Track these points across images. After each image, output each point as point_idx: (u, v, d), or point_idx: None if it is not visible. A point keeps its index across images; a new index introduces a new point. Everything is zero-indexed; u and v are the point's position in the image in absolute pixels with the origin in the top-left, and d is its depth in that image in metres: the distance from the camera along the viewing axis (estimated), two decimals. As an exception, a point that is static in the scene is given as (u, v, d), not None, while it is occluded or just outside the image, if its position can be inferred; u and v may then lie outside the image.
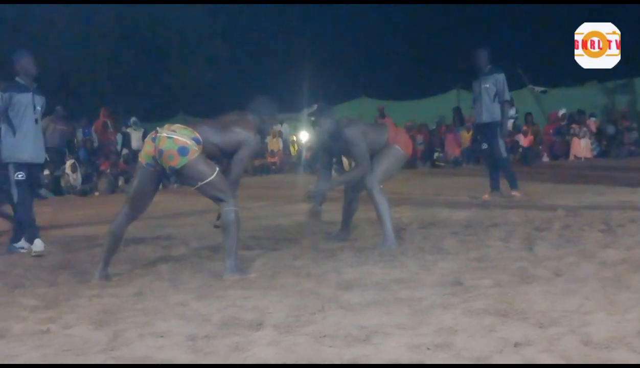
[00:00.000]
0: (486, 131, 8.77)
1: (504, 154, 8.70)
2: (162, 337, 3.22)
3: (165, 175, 4.86)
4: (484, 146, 8.95)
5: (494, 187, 8.69)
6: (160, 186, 13.55)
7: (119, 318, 3.63)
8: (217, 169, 4.62)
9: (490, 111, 8.60)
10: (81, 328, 3.46)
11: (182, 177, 4.67)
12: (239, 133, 4.71)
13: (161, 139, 4.53)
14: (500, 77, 8.64)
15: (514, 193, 8.50)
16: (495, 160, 8.69)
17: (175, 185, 13.55)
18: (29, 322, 3.63)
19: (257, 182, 14.20)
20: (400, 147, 5.59)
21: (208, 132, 4.66)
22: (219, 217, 4.84)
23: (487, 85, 8.61)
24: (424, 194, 9.34)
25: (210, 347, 3.05)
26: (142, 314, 3.69)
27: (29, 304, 4.08)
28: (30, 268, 5.34)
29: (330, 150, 5.72)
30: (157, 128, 4.68)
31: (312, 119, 5.60)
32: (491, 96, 8.60)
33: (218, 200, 4.64)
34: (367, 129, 5.54)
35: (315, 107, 5.61)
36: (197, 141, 4.55)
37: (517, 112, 17.19)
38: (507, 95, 8.66)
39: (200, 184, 4.57)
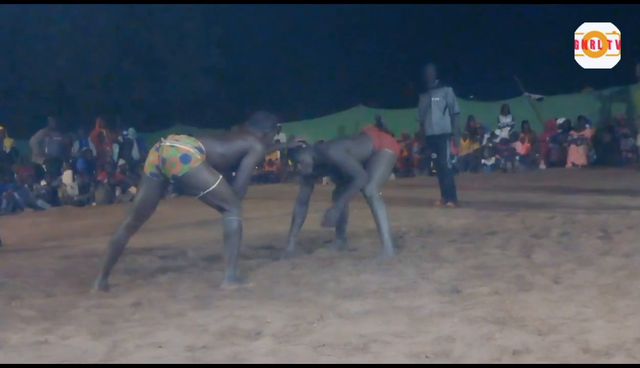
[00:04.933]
0: (436, 143, 9.11)
1: (449, 166, 9.19)
2: (160, 347, 3.22)
3: (169, 185, 4.88)
4: (434, 156, 9.47)
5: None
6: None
7: (117, 328, 3.62)
8: (220, 177, 4.62)
9: (440, 124, 8.95)
10: (79, 339, 3.45)
11: (184, 185, 4.70)
12: (245, 139, 4.77)
13: (164, 148, 4.57)
14: (450, 90, 9.00)
15: (449, 203, 8.82)
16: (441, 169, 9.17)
17: (173, 195, 13.53)
18: (27, 333, 3.61)
19: (255, 191, 14.18)
20: (388, 149, 5.63)
21: (212, 142, 4.71)
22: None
23: (437, 99, 8.95)
24: (421, 202, 9.34)
25: (209, 357, 3.05)
26: (140, 325, 3.68)
27: (27, 315, 4.07)
28: (28, 279, 5.32)
29: (318, 175, 5.76)
30: (162, 138, 4.71)
31: (290, 158, 5.67)
32: (441, 109, 8.94)
33: (221, 209, 4.64)
34: (350, 144, 5.58)
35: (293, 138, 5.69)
36: (200, 150, 4.58)
37: (513, 120, 17.21)
38: (457, 108, 9.01)
39: (202, 192, 4.58)
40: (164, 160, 4.55)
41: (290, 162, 6.05)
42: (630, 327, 3.08)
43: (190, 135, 4.80)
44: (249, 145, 4.74)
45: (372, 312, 3.64)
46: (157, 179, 4.68)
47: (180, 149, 4.53)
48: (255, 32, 24.41)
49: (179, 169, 4.52)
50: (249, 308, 3.88)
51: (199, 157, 4.55)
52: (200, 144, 4.60)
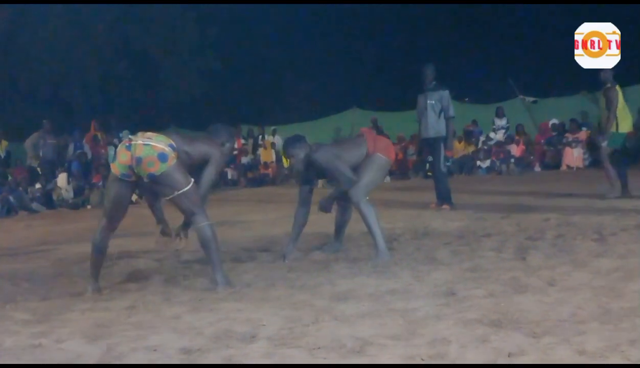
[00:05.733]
0: (431, 145, 9.04)
1: (444, 169, 9.11)
2: (155, 350, 3.21)
3: (141, 185, 4.81)
4: (430, 159, 9.49)
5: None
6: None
7: (111, 332, 3.61)
8: (192, 180, 4.62)
9: (435, 127, 8.86)
10: (74, 342, 3.44)
11: (159, 185, 4.63)
12: (209, 145, 4.82)
13: (137, 147, 4.50)
14: (445, 93, 8.89)
15: (444, 206, 8.76)
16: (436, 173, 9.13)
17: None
18: (21, 336, 3.60)
19: (250, 193, 14.19)
20: (382, 154, 5.61)
21: (180, 140, 4.72)
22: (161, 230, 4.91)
23: (433, 102, 8.85)
24: (416, 205, 9.34)
25: (204, 360, 3.04)
26: (135, 328, 3.67)
27: (21, 318, 4.06)
28: (22, 282, 5.31)
29: (307, 176, 5.76)
30: (130, 137, 4.67)
31: (285, 152, 5.67)
32: (436, 112, 8.85)
33: (191, 213, 4.63)
34: (338, 151, 5.56)
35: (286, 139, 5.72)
36: (172, 148, 4.57)
37: (508, 122, 17.25)
38: (451, 112, 8.92)
39: (176, 193, 4.55)
40: (139, 160, 4.48)
41: (283, 157, 6.10)
42: (625, 329, 3.09)
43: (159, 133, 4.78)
44: (212, 152, 4.79)
45: (368, 314, 3.64)
46: (128, 179, 4.62)
47: (156, 148, 4.49)
48: (250, 34, 24.39)
49: (158, 168, 4.48)
50: (244, 311, 3.87)
51: (174, 155, 4.55)
52: (172, 142, 4.60)
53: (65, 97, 22.39)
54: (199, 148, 4.77)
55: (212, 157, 4.77)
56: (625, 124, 8.93)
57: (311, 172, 5.73)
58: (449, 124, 8.89)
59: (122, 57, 22.94)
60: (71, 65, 21.83)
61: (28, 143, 15.63)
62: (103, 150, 16.18)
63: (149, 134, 4.67)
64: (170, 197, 4.59)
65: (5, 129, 16.53)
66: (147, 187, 4.80)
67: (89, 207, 13.78)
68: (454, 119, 9.13)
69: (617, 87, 8.87)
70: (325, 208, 5.65)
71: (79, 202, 13.84)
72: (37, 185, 13.93)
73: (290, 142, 5.64)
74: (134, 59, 23.18)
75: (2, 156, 15.41)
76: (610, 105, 8.80)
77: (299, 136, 5.78)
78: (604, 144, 8.87)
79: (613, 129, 8.81)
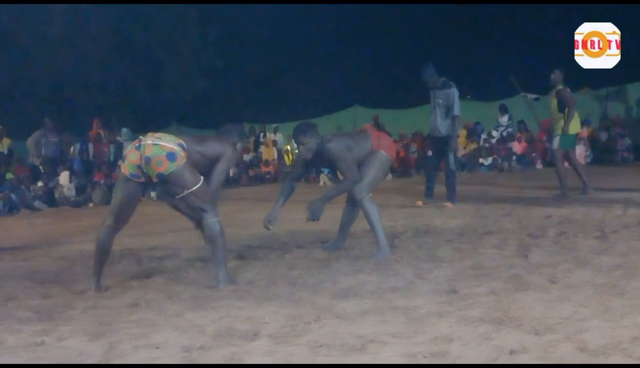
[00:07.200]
0: (438, 144, 8.96)
1: (453, 168, 8.95)
2: (157, 348, 3.22)
3: (150, 185, 4.83)
4: (429, 153, 9.51)
5: (429, 194, 8.97)
6: (155, 197, 13.51)
7: (113, 329, 3.61)
8: (202, 178, 4.63)
9: (442, 126, 8.76)
10: (76, 340, 3.44)
11: (168, 184, 4.64)
12: (221, 144, 4.83)
13: (147, 147, 4.53)
14: (451, 92, 8.72)
15: (447, 204, 8.66)
16: (434, 169, 9.16)
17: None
18: (23, 334, 3.61)
19: (251, 191, 14.18)
20: (384, 151, 5.61)
21: (191, 140, 4.75)
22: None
23: (440, 101, 8.74)
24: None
25: (205, 358, 3.05)
26: (137, 326, 3.67)
27: (23, 316, 4.06)
28: (24, 280, 5.31)
29: (311, 165, 5.73)
30: (140, 137, 4.68)
31: (295, 138, 5.60)
32: (443, 111, 8.73)
33: (201, 210, 4.65)
34: (351, 143, 5.52)
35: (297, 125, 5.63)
36: (182, 147, 4.59)
37: (510, 120, 17.24)
38: (457, 110, 8.73)
39: (186, 191, 4.57)
40: (148, 159, 4.50)
41: (285, 155, 6.05)
42: (627, 326, 3.09)
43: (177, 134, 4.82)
44: (225, 149, 4.80)
45: (369, 312, 3.65)
46: (137, 179, 4.64)
47: (165, 147, 4.51)
48: (251, 32, 24.39)
49: (166, 167, 4.49)
50: (246, 309, 3.88)
51: (183, 154, 4.56)
52: (181, 141, 4.62)
53: (67, 95, 22.41)
54: (212, 147, 4.78)
55: (225, 153, 4.79)
56: (574, 125, 9.10)
57: (316, 163, 5.69)
58: (453, 122, 8.73)
59: (124, 55, 22.95)
60: (73, 63, 21.84)
61: (30, 141, 15.63)
62: (106, 148, 16.18)
63: (159, 134, 4.71)
64: (181, 195, 4.61)
65: (8, 126, 16.53)
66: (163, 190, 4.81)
67: (91, 205, 13.78)
68: (460, 118, 9.01)
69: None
70: (314, 214, 5.46)
71: (81, 200, 13.82)
72: (39, 183, 13.92)
73: (302, 130, 5.50)
74: (136, 58, 23.19)
75: (5, 153, 15.40)
76: (570, 105, 8.91)
77: (311, 124, 5.71)
78: (556, 146, 9.02)
79: (559, 131, 8.95)
